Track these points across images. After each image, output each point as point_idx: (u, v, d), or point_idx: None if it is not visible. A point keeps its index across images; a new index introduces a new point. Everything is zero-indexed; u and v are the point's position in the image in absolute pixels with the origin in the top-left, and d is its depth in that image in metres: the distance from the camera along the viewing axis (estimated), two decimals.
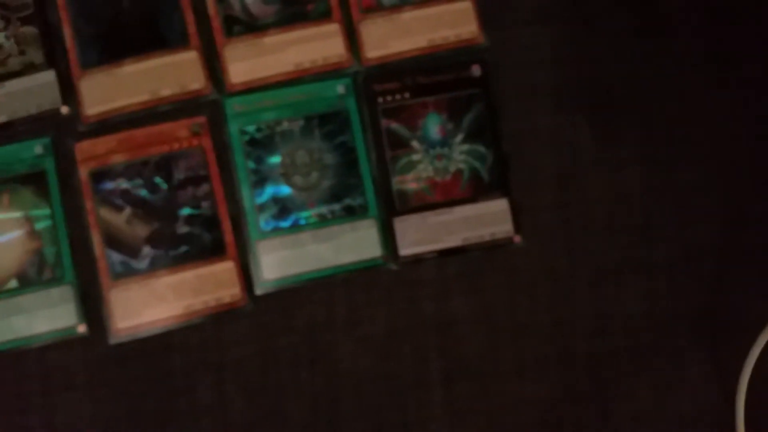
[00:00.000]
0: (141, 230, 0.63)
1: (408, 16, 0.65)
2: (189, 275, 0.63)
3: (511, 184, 0.66)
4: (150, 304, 0.62)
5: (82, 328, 0.62)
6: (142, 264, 0.63)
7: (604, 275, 0.65)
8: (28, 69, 0.63)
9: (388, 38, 0.65)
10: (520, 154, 0.66)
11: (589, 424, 0.65)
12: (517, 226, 0.65)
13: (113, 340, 0.63)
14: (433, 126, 0.65)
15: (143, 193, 0.63)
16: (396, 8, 0.65)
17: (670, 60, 0.67)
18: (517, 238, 0.65)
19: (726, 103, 0.68)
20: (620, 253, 0.66)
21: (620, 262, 0.66)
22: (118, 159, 0.64)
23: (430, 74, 0.65)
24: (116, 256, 0.63)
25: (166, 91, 0.64)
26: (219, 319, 0.63)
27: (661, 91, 0.67)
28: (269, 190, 0.64)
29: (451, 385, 0.64)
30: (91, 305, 0.63)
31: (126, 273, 0.63)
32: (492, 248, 0.65)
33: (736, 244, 0.66)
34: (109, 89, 0.64)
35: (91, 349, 0.63)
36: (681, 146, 0.66)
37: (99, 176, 0.64)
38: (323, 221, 0.64)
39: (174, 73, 0.63)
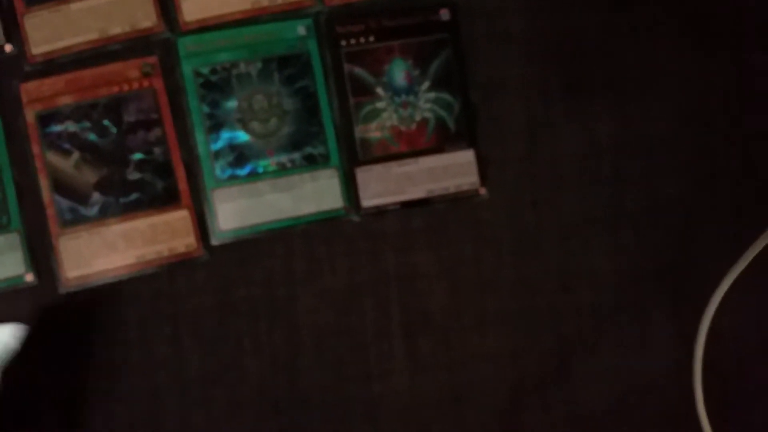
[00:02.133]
0: (90, 176, 0.47)
1: None
2: (141, 223, 0.47)
3: (478, 135, 0.49)
4: (100, 252, 0.47)
5: (30, 277, 0.47)
6: (92, 211, 0.47)
7: (571, 230, 0.51)
8: None
9: None
10: (488, 104, 0.50)
11: (551, 379, 0.50)
12: (483, 179, 0.49)
13: (63, 290, 0.48)
14: (399, 72, 0.48)
15: (92, 136, 0.47)
16: None
17: (643, 13, 0.50)
18: (483, 191, 0.49)
19: (697, 57, 0.52)
20: (587, 208, 0.51)
21: (587, 217, 0.51)
22: (66, 101, 0.47)
23: (396, 17, 0.48)
24: (65, 203, 0.47)
25: (115, 30, 0.47)
26: (173, 269, 0.48)
27: (633, 44, 0.52)
28: (225, 136, 0.47)
29: (413, 338, 0.50)
30: (40, 253, 0.48)
31: (75, 220, 0.47)
32: (457, 200, 0.50)
33: (703, 198, 0.52)
34: (55, 27, 0.47)
35: (39, 299, 0.48)
36: (652, 100, 0.52)
37: (46, 119, 0.47)
38: (282, 170, 0.47)
39: (124, 10, 0.47)
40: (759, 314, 0.55)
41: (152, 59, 0.51)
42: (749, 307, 0.55)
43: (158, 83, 0.51)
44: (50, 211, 0.51)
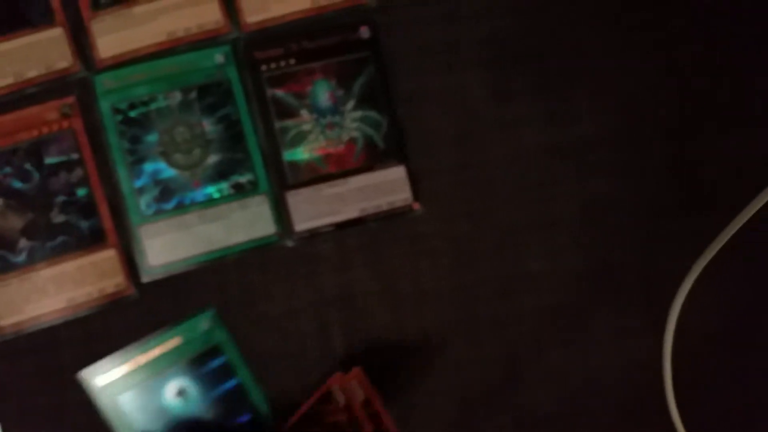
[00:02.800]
0: (16, 222, 0.43)
1: None
2: (69, 266, 0.42)
3: (408, 150, 0.45)
4: (32, 298, 0.43)
5: None
6: (20, 257, 0.43)
7: (506, 236, 0.47)
8: None
9: (268, 1, 0.43)
10: (415, 118, 0.46)
11: (498, 387, 0.46)
12: (416, 193, 0.45)
13: None
14: (322, 93, 0.44)
15: (15, 182, 0.43)
16: None
17: (566, 13, 0.46)
18: (416, 206, 0.45)
19: (623, 55, 0.48)
20: (521, 213, 0.48)
21: (521, 222, 0.47)
22: None
23: (315, 38, 0.44)
24: None
25: (32, 73, 0.43)
26: (105, 310, 0.43)
27: (557, 46, 0.47)
28: (148, 171, 0.43)
29: (356, 358, 0.44)
30: None
31: (4, 268, 0.43)
32: (391, 217, 0.45)
33: (635, 197, 0.47)
34: None
35: None
36: (578, 101, 0.48)
37: None
38: (210, 200, 0.43)
39: (39, 52, 0.43)
40: (724, 308, 0.52)
41: (70, 99, 0.47)
42: (712, 302, 0.51)
43: (77, 123, 0.47)
44: None
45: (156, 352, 0.47)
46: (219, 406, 0.47)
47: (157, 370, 0.47)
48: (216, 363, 0.48)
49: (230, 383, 0.48)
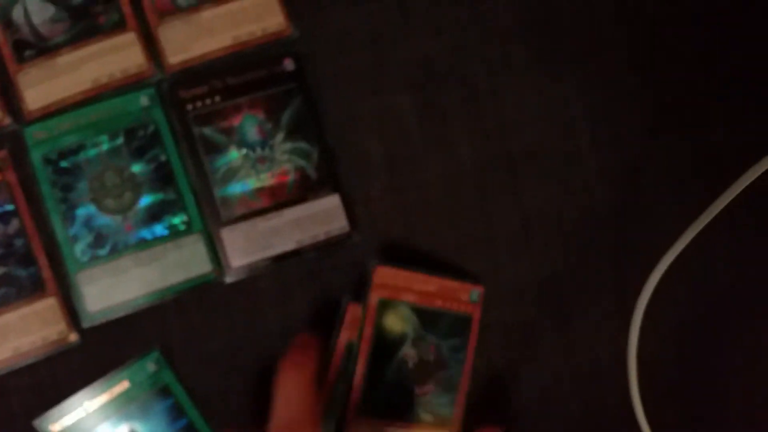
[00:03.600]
0: None
1: (208, 14, 0.44)
2: (11, 317, 0.43)
3: (341, 177, 0.44)
4: None
5: None
6: None
7: (447, 256, 0.45)
8: None
9: (189, 41, 0.43)
10: (346, 145, 0.45)
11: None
12: (353, 221, 0.44)
13: None
14: (251, 128, 0.44)
15: None
16: (194, 8, 0.44)
17: (488, 30, 0.45)
18: (354, 234, 0.44)
19: (550, 61, 0.46)
20: (461, 231, 0.46)
21: (461, 240, 0.45)
22: None
23: (239, 74, 0.44)
24: None
25: None
26: (50, 357, 0.43)
27: (483, 62, 0.45)
28: (81, 219, 0.43)
29: None
30: None
31: None
32: (328, 246, 0.44)
33: (571, 207, 0.46)
34: None
35: None
36: (510, 115, 0.46)
37: None
38: (144, 243, 0.43)
39: None
40: (687, 308, 0.50)
41: (2, 153, 0.47)
42: (675, 303, 0.49)
43: (10, 176, 0.47)
44: None
45: (105, 397, 0.47)
46: None
47: (108, 414, 0.47)
48: (165, 404, 0.47)
49: (180, 423, 0.48)
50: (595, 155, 0.50)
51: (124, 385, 0.46)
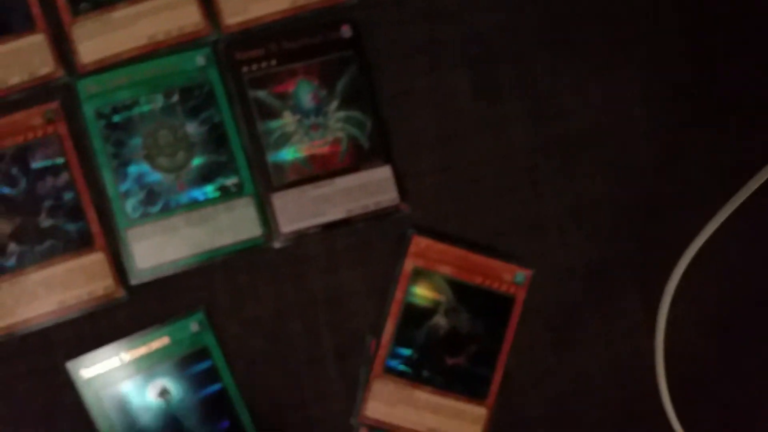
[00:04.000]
0: (4, 227, 0.43)
1: None
2: (58, 270, 0.43)
3: (393, 150, 0.44)
4: (22, 302, 0.43)
5: None
6: (10, 261, 0.43)
7: (494, 237, 0.45)
8: None
9: (247, 2, 0.43)
10: (399, 118, 0.45)
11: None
12: (402, 193, 0.44)
13: None
14: (305, 94, 0.43)
15: (2, 187, 0.42)
16: None
17: (550, 9, 0.44)
18: (404, 206, 0.44)
19: (610, 51, 0.45)
20: (509, 212, 0.46)
21: (510, 221, 0.45)
22: None
23: (297, 38, 0.43)
24: None
25: (14, 79, 0.43)
26: (95, 312, 0.43)
27: (540, 42, 0.45)
28: (133, 175, 0.43)
29: (345, 359, 0.44)
30: None
31: None
32: (378, 217, 0.44)
33: (626, 194, 0.46)
34: None
35: None
36: (565, 98, 0.46)
37: None
38: (196, 203, 0.42)
39: (21, 59, 0.43)
40: (713, 301, 0.50)
41: (54, 105, 0.46)
42: (701, 296, 0.50)
43: (62, 128, 0.47)
44: None
45: (143, 350, 0.47)
46: (200, 409, 0.47)
47: (143, 368, 0.47)
48: (201, 366, 0.47)
49: (214, 387, 0.48)
50: (649, 143, 0.50)
51: (164, 341, 0.46)
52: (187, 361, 0.46)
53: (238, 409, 0.46)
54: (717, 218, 0.47)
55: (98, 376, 0.45)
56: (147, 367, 0.46)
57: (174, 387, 0.46)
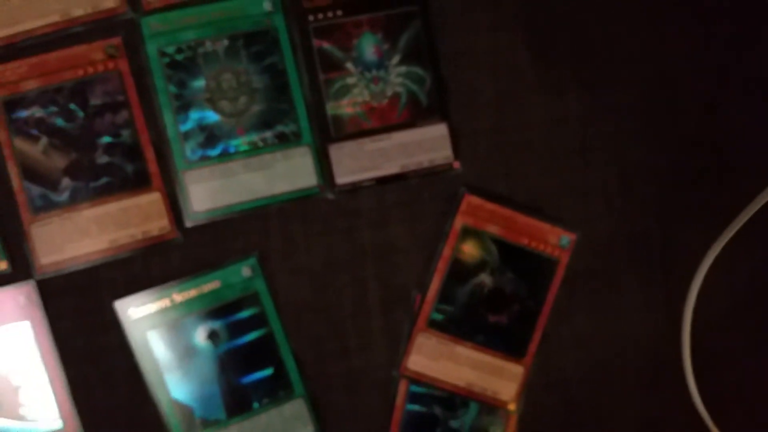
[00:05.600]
0: (59, 161, 0.42)
1: None
2: (112, 208, 0.42)
3: (450, 108, 0.44)
4: (73, 238, 0.42)
5: (3, 265, 0.42)
6: (63, 197, 0.42)
7: (542, 200, 0.46)
8: None
9: None
10: (458, 76, 0.45)
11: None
12: (456, 152, 0.44)
13: (38, 277, 0.42)
14: (369, 47, 0.43)
15: (59, 121, 0.42)
16: None
17: None
18: (457, 164, 0.44)
19: (663, 25, 0.46)
20: (558, 178, 0.47)
21: (558, 187, 0.46)
22: (31, 86, 0.42)
23: None
24: (35, 189, 0.42)
25: (77, 11, 0.42)
26: (147, 252, 0.42)
27: (601, 12, 0.45)
28: (194, 117, 0.42)
29: (390, 313, 0.45)
30: (12, 241, 0.42)
31: (46, 206, 0.42)
32: (431, 175, 0.44)
33: (673, 167, 0.47)
34: (16, 10, 0.42)
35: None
36: (620, 68, 0.47)
37: (11, 104, 0.42)
38: (254, 149, 0.42)
39: None
40: (747, 279, 0.52)
41: (116, 40, 0.46)
42: (736, 274, 0.51)
43: (123, 65, 0.46)
44: (21, 198, 0.46)
45: (193, 292, 0.47)
46: (247, 354, 0.47)
47: (191, 310, 0.47)
48: (250, 311, 0.48)
49: (260, 333, 0.48)
50: (699, 116, 0.51)
51: (215, 284, 0.46)
52: (237, 306, 0.46)
53: (283, 356, 0.47)
54: (763, 194, 0.48)
55: (146, 316, 0.45)
56: (197, 308, 0.46)
57: (222, 329, 0.46)
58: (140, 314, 0.45)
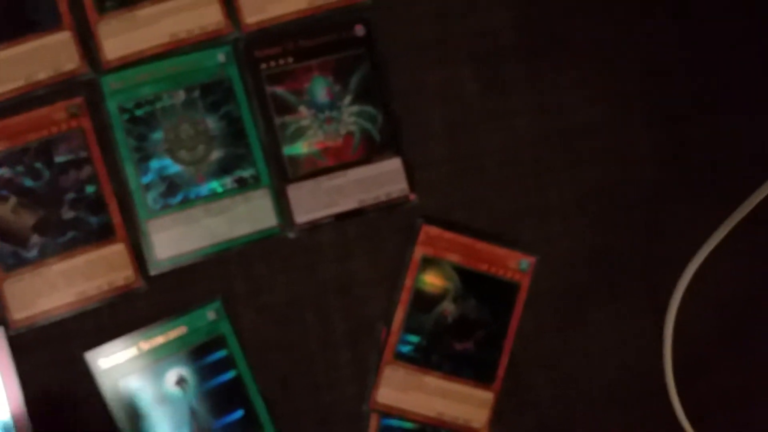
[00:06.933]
0: (27, 219, 0.44)
1: None
2: (79, 261, 0.43)
3: (403, 142, 0.46)
4: (43, 292, 0.44)
5: None
6: (32, 253, 0.43)
7: (501, 224, 0.47)
8: None
9: (266, 2, 0.44)
10: (409, 111, 0.47)
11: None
12: (412, 184, 0.46)
13: (11, 332, 0.43)
14: (320, 89, 0.45)
15: (26, 181, 0.43)
16: None
17: (553, 5, 0.47)
18: (413, 196, 0.46)
19: (610, 44, 0.48)
20: (514, 202, 0.48)
21: (515, 210, 0.47)
22: None
23: (312, 36, 0.45)
24: (6, 247, 0.44)
25: (41, 75, 0.44)
26: (114, 302, 0.43)
27: (546, 36, 0.47)
28: (155, 168, 0.44)
29: (357, 346, 0.45)
30: None
31: (17, 264, 0.43)
32: (389, 208, 0.45)
33: (626, 183, 0.48)
34: None
35: None
36: (568, 90, 0.48)
37: None
38: (215, 195, 0.43)
39: (48, 55, 0.44)
40: (726, 295, 0.52)
41: (78, 100, 0.48)
42: (714, 291, 0.51)
43: (86, 123, 0.48)
44: None
45: (160, 339, 0.48)
46: (216, 397, 0.48)
47: (160, 357, 0.47)
48: (217, 355, 0.48)
49: (229, 375, 0.48)
50: (649, 134, 0.52)
51: (181, 330, 0.47)
52: (204, 350, 0.47)
53: (252, 397, 0.47)
54: (737, 213, 0.48)
55: (116, 366, 0.46)
56: (164, 355, 0.46)
57: (190, 376, 0.46)
58: (110, 364, 0.46)
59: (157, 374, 0.46)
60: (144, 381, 0.46)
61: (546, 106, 0.51)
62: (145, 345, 0.46)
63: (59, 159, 0.47)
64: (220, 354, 0.47)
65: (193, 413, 0.46)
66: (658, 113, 0.52)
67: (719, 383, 0.51)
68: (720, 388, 0.51)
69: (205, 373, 0.47)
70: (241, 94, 0.48)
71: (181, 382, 0.46)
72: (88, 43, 0.48)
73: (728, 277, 0.52)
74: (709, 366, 0.51)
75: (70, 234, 0.47)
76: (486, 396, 0.49)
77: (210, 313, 0.47)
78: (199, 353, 0.47)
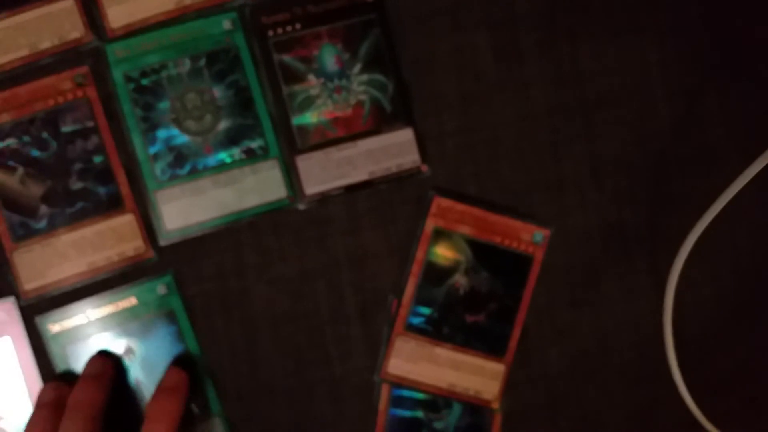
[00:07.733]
0: (36, 189, 0.43)
1: None
2: (88, 231, 0.43)
3: (415, 112, 0.44)
4: (53, 263, 0.43)
5: None
6: (41, 223, 0.43)
7: (514, 197, 0.46)
8: None
9: None
10: (421, 80, 0.45)
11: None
12: (424, 155, 0.45)
13: (23, 302, 0.43)
14: (329, 57, 0.43)
15: (33, 151, 0.43)
16: None
17: None
18: (424, 167, 0.45)
19: (629, 14, 0.46)
20: (529, 173, 0.46)
21: (529, 182, 0.46)
22: (4, 118, 0.43)
23: (321, 2, 0.44)
24: (15, 218, 0.43)
25: (45, 44, 0.43)
26: (125, 273, 0.43)
27: (564, 3, 0.45)
28: (162, 138, 0.43)
29: (368, 317, 0.45)
30: None
31: (27, 234, 0.43)
32: (399, 179, 0.44)
33: (644, 157, 0.46)
34: None
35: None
36: (585, 61, 0.45)
37: None
38: (223, 166, 0.43)
39: (52, 24, 0.43)
40: (726, 268, 0.51)
41: (84, 69, 0.47)
42: (715, 262, 0.50)
43: (92, 92, 0.47)
44: (2, 228, 0.47)
45: (109, 308, 0.47)
46: (162, 371, 0.47)
47: (108, 326, 0.47)
48: (168, 329, 0.48)
49: (176, 350, 0.48)
50: (668, 105, 0.50)
51: (131, 300, 0.46)
52: (154, 323, 0.46)
53: (199, 373, 0.47)
54: (737, 183, 0.47)
55: (65, 331, 0.46)
56: (113, 325, 0.46)
57: (139, 347, 0.46)
58: (57, 329, 0.46)
59: (106, 343, 0.46)
60: (91, 348, 0.46)
61: (562, 76, 0.49)
62: (94, 313, 0.46)
63: (66, 129, 0.46)
64: (171, 329, 0.47)
65: (138, 385, 0.46)
66: (677, 85, 0.50)
67: (721, 357, 0.51)
68: (722, 362, 0.51)
69: (156, 346, 0.46)
70: (248, 62, 0.47)
71: (128, 352, 0.46)
72: (92, 12, 0.46)
73: (727, 252, 0.50)
74: (711, 341, 0.51)
75: (78, 205, 0.47)
76: (498, 368, 0.49)
77: (161, 287, 0.47)
78: (149, 326, 0.46)
